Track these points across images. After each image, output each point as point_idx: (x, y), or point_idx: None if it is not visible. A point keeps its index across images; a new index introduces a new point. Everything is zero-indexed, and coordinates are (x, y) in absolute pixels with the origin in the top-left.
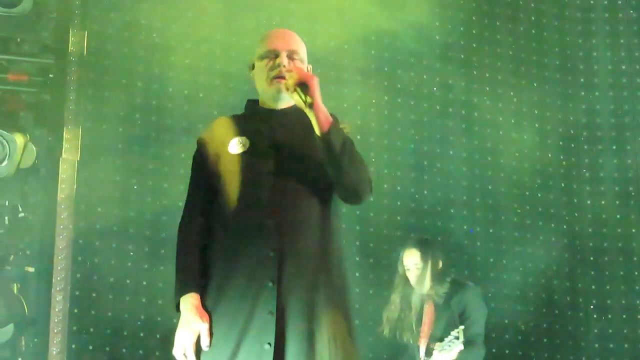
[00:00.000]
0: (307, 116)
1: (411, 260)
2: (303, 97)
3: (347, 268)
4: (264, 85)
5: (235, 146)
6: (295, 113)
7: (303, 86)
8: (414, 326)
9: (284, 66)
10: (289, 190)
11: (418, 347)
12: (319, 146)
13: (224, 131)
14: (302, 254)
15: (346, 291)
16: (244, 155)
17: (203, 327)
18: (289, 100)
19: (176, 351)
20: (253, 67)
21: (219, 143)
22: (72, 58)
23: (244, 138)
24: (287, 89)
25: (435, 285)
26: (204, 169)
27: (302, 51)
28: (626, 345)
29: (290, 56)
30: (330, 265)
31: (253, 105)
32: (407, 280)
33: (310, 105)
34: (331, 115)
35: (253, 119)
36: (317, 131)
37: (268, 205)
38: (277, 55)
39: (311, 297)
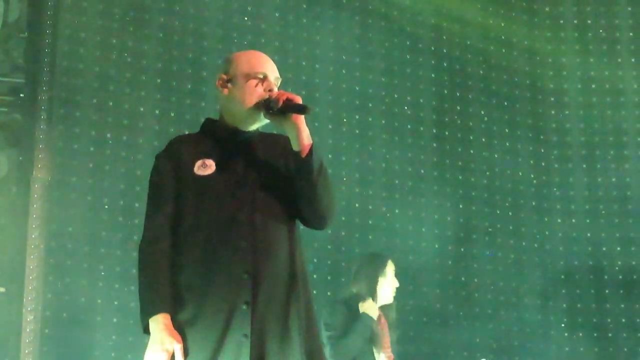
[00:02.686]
0: (272, 140)
1: (392, 273)
2: (296, 106)
3: (312, 289)
4: (246, 103)
5: (201, 167)
6: (260, 136)
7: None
8: (380, 339)
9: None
10: (258, 212)
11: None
12: (296, 165)
13: (186, 151)
14: (274, 277)
15: (314, 312)
16: (211, 177)
17: (177, 347)
18: (260, 124)
19: None
20: (228, 81)
21: (182, 163)
22: (44, 78)
23: (209, 160)
24: (272, 106)
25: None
26: (167, 187)
27: (280, 80)
28: None
29: (275, 83)
30: (298, 286)
31: (213, 124)
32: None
33: (305, 111)
34: None
35: (216, 139)
36: (297, 148)
37: (240, 228)
38: (265, 79)
39: (284, 319)
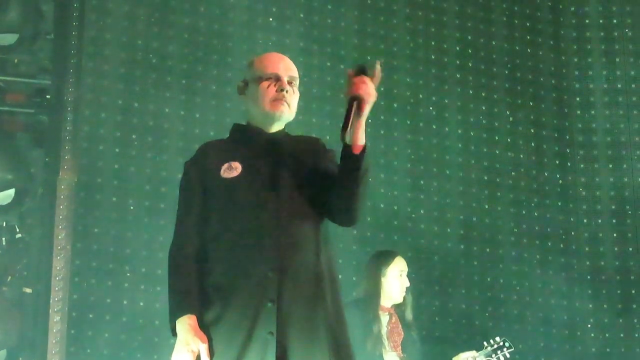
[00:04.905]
0: (301, 141)
1: (403, 268)
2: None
3: (340, 287)
4: (262, 106)
5: (227, 170)
6: (286, 137)
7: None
8: (384, 337)
9: (287, 91)
10: (284, 211)
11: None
12: (345, 159)
13: (213, 155)
14: (300, 274)
15: (342, 310)
16: (237, 178)
17: (202, 347)
18: (281, 124)
19: None
20: (245, 86)
21: (209, 167)
22: (69, 79)
23: (235, 162)
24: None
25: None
26: (195, 192)
27: (298, 79)
28: None
29: (290, 82)
30: (325, 285)
31: (240, 128)
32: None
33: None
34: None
35: (242, 142)
36: (350, 142)
37: (265, 227)
38: (278, 79)
39: (311, 317)
